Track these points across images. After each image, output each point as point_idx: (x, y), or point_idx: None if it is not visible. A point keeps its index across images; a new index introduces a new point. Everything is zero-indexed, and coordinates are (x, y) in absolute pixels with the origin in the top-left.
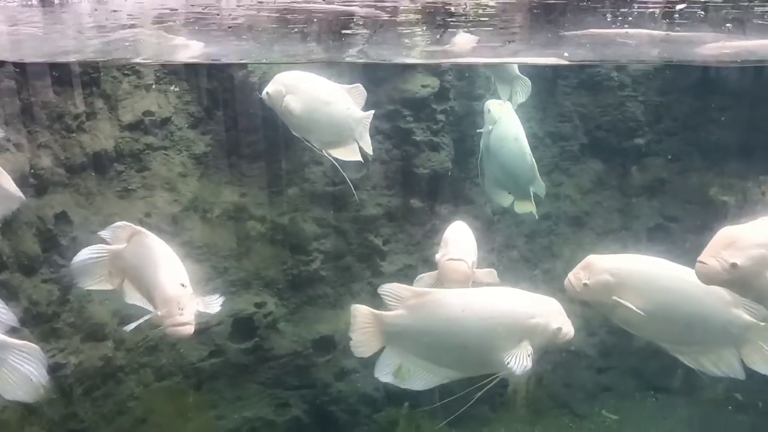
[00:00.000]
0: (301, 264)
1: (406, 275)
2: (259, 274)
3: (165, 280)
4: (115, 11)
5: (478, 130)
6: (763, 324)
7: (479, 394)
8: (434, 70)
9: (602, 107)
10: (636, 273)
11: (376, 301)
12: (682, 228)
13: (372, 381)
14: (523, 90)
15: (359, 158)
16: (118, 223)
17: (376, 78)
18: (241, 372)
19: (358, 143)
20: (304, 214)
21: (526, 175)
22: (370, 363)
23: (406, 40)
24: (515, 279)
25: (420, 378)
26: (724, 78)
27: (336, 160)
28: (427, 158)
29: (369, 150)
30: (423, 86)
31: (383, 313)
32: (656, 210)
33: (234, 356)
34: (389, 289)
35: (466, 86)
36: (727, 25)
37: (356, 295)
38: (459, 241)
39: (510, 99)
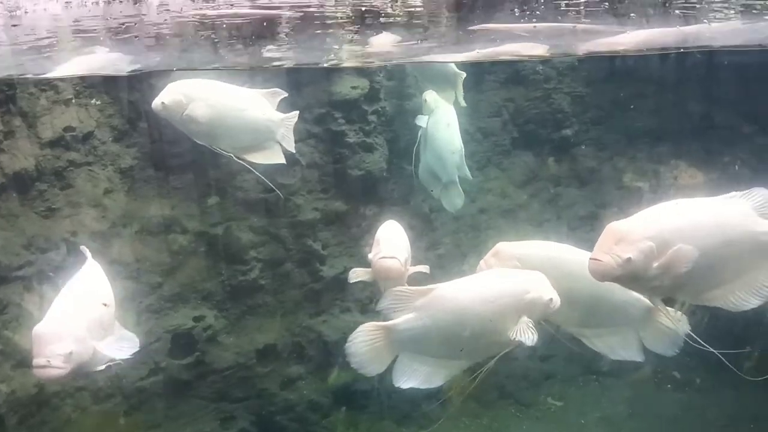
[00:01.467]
0: (238, 274)
1: (348, 278)
2: (196, 287)
3: (47, 315)
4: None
5: (417, 119)
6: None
7: (479, 375)
8: (363, 71)
9: (530, 100)
10: (541, 258)
11: (318, 307)
12: (613, 214)
13: (319, 387)
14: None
15: (282, 161)
16: None
17: (304, 81)
18: (184, 388)
19: (281, 145)
20: (239, 223)
21: (454, 160)
22: (315, 369)
23: (335, 45)
24: (451, 275)
25: (434, 375)
26: (644, 66)
27: (252, 164)
28: (362, 159)
29: (291, 149)
30: (353, 88)
31: (393, 322)
32: (588, 198)
33: (175, 372)
34: (393, 296)
35: (396, 86)
36: (631, 15)
37: (298, 303)
38: (390, 239)
39: (456, 95)
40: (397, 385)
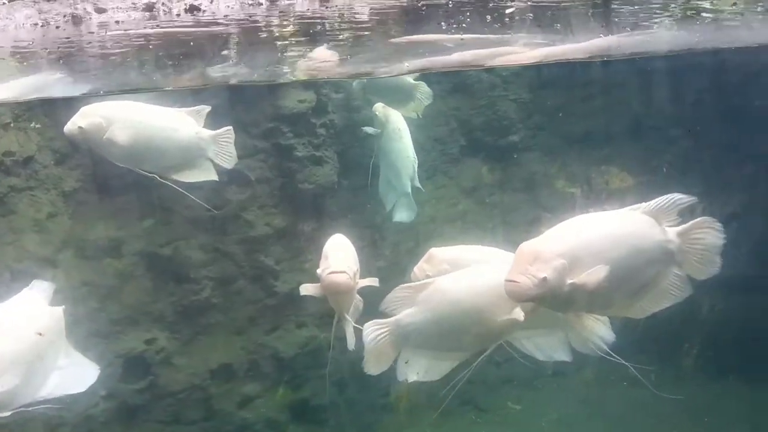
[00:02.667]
0: (190, 293)
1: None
2: (146, 309)
3: None
4: None
5: (363, 130)
6: None
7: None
8: (310, 84)
9: (476, 108)
10: (472, 262)
11: (273, 323)
12: (559, 218)
13: (276, 404)
14: (425, 95)
15: (214, 177)
16: None
17: (250, 96)
18: (137, 413)
19: (213, 162)
20: (188, 242)
21: (408, 172)
22: (272, 386)
23: (282, 60)
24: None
25: (435, 367)
26: (586, 72)
27: (182, 183)
28: (312, 173)
29: (229, 165)
30: (300, 101)
31: (395, 317)
32: (534, 202)
33: (128, 398)
34: (394, 295)
35: (344, 98)
36: (557, 25)
37: (252, 319)
38: (338, 253)
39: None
40: (400, 379)
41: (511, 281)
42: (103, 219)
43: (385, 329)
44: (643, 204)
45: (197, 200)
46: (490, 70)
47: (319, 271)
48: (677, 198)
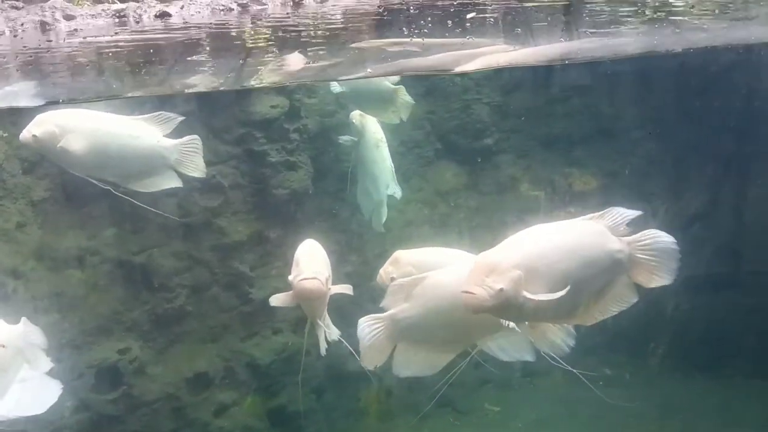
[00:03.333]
0: (164, 301)
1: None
2: (120, 318)
3: None
4: None
5: (340, 139)
6: None
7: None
8: (282, 89)
9: (451, 112)
10: (437, 264)
11: (249, 330)
12: (537, 219)
13: (254, 411)
14: (404, 106)
15: (178, 183)
16: None
17: (223, 102)
18: (110, 424)
19: (176, 171)
20: (162, 249)
21: (385, 179)
22: (249, 393)
23: (256, 64)
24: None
25: (431, 362)
26: (559, 74)
27: (129, 192)
28: (286, 178)
29: (198, 174)
30: (272, 107)
31: (390, 312)
32: (512, 204)
33: (101, 408)
34: (393, 290)
35: (317, 103)
36: (517, 30)
37: (228, 327)
38: (310, 259)
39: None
40: (396, 374)
41: (467, 292)
42: (73, 228)
43: (380, 324)
44: (596, 213)
45: (159, 211)
46: (462, 73)
47: (290, 277)
48: (626, 211)
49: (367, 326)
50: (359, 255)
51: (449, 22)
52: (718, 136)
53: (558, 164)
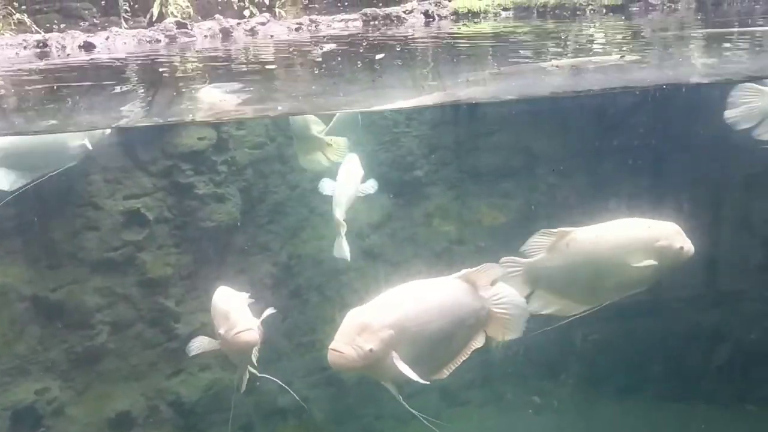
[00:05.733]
0: (84, 339)
1: (206, 334)
2: (37, 357)
3: None
4: None
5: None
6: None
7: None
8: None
9: (382, 144)
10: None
11: (175, 367)
12: (467, 249)
13: None
14: (338, 149)
15: None
16: None
17: (148, 134)
18: None
19: None
20: (83, 285)
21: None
22: None
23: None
24: (318, 321)
25: (558, 307)
26: (484, 109)
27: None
28: (213, 210)
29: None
30: (200, 139)
31: (530, 260)
32: (442, 235)
33: None
34: (534, 240)
35: (246, 135)
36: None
37: (152, 364)
38: (239, 309)
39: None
40: (533, 312)
41: (335, 351)
42: None
43: (519, 267)
44: (464, 271)
45: None
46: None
47: (221, 331)
48: (493, 267)
49: (507, 265)
50: (291, 287)
51: (359, 63)
52: (623, 171)
53: (481, 196)
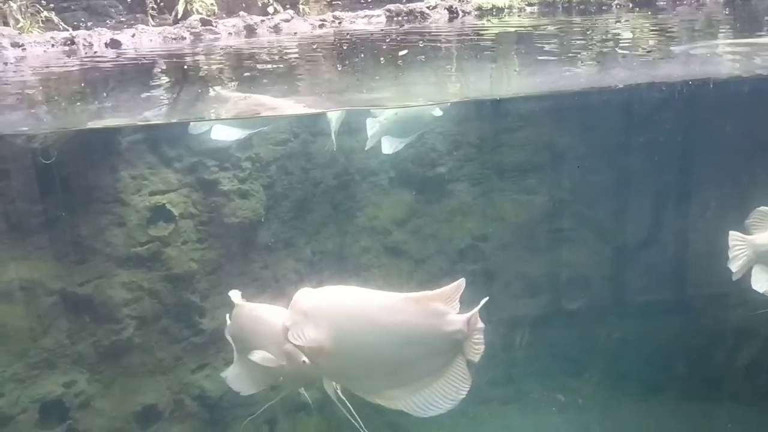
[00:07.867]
0: (111, 333)
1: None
2: (65, 351)
3: None
4: None
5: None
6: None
7: None
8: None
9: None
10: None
11: (200, 362)
12: (490, 246)
13: None
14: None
15: None
16: None
17: (174, 131)
18: None
19: None
20: (110, 280)
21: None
22: (200, 427)
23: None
24: None
25: None
26: (507, 107)
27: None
28: (238, 207)
29: None
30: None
31: (754, 236)
32: (466, 231)
33: None
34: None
35: (269, 132)
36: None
37: (178, 359)
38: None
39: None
40: (755, 288)
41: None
42: (18, 259)
43: (744, 245)
44: (436, 291)
45: None
46: None
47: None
48: (462, 284)
49: (735, 242)
50: (315, 283)
51: (382, 59)
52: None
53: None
